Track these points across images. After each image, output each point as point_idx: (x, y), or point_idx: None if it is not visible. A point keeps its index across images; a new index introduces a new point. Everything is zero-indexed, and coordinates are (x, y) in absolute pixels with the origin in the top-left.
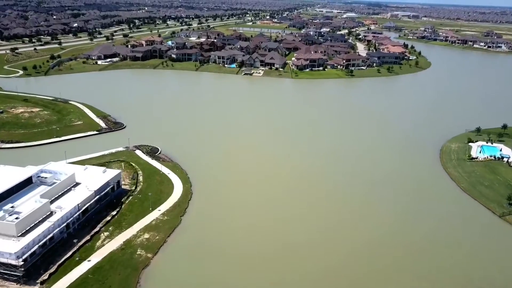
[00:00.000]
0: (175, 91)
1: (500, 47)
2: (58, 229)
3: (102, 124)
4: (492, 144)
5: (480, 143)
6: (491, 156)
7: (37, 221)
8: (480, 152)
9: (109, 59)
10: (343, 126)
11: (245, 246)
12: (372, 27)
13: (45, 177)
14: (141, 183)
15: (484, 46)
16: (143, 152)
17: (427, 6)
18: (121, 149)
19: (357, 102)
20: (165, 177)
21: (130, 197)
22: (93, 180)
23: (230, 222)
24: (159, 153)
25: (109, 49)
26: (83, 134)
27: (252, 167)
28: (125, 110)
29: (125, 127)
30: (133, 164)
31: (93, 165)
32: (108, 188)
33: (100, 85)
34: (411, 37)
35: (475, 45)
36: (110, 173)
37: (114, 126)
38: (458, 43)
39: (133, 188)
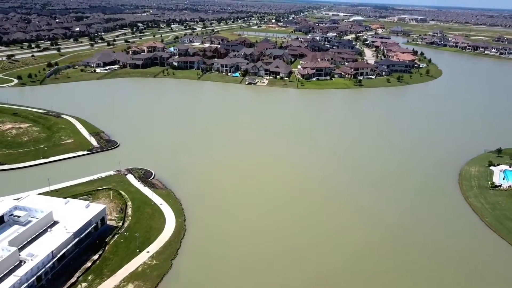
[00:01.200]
0: (174, 102)
1: None
2: (26, 283)
3: (94, 143)
4: None
5: (503, 167)
6: None
7: (2, 274)
8: (503, 179)
9: (108, 67)
10: (351, 143)
11: None
12: (380, 31)
13: (19, 216)
14: (130, 217)
15: (496, 52)
16: (135, 177)
17: (434, 9)
18: (111, 173)
19: (366, 115)
20: (157, 209)
21: (116, 236)
22: (73, 218)
23: (228, 266)
24: (153, 177)
25: (108, 56)
26: (72, 154)
27: (255, 193)
28: (120, 124)
29: (118, 145)
30: (123, 193)
31: (79, 193)
32: (90, 228)
33: (96, 96)
34: (419, 43)
35: (486, 52)
36: (94, 209)
37: (107, 145)
38: (469, 49)
39: (120, 224)
